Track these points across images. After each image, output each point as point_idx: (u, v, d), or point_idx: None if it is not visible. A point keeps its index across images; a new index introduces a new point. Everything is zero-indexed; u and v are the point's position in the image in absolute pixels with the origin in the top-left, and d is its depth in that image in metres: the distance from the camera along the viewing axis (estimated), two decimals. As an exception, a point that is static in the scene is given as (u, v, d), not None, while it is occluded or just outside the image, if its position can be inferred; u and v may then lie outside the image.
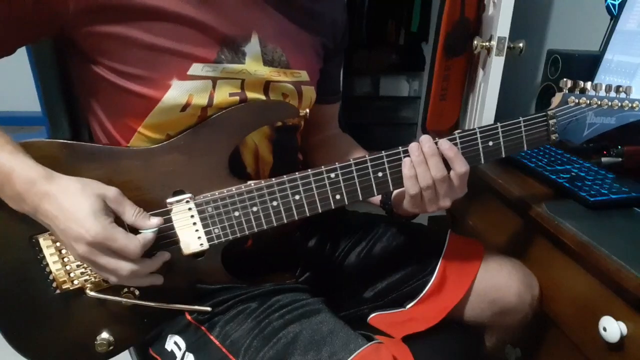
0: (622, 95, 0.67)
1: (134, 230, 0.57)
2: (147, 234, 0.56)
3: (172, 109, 0.59)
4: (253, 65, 0.62)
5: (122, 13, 0.54)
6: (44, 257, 0.60)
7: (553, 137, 0.67)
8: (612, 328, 0.63)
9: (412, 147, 0.61)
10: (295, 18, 0.66)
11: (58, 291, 0.61)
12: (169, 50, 0.57)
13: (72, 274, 0.61)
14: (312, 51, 0.71)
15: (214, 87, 0.60)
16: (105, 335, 0.64)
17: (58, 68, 0.78)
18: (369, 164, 0.62)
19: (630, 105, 0.67)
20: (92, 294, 0.61)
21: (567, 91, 0.68)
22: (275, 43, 0.64)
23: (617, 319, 0.63)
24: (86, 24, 0.55)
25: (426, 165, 0.60)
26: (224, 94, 0.61)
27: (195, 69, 0.58)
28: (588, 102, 0.67)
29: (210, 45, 0.59)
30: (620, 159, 0.87)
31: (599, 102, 0.67)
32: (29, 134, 2.11)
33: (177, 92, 0.58)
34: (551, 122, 0.67)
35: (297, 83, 0.68)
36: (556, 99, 0.68)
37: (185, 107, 0.59)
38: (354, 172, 0.62)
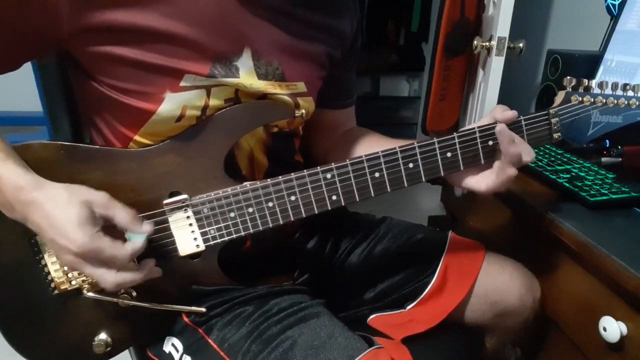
0: (630, 93, 0.66)
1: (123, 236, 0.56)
2: (137, 242, 0.55)
3: (167, 121, 0.60)
4: (248, 79, 0.62)
5: (113, 33, 0.54)
6: (42, 257, 0.60)
7: (556, 135, 0.66)
8: (612, 328, 0.62)
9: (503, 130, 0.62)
10: (292, 29, 0.65)
11: (56, 291, 0.61)
12: (160, 67, 0.57)
13: (69, 275, 0.61)
14: (312, 62, 0.69)
15: (208, 95, 0.60)
16: (103, 336, 0.64)
17: (59, 68, 0.78)
18: (365, 164, 0.61)
19: (638, 103, 0.66)
20: (90, 294, 0.61)
21: (570, 89, 0.67)
22: (269, 56, 0.63)
23: (617, 319, 0.63)
24: (80, 44, 0.56)
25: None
26: (219, 101, 0.61)
27: (188, 79, 0.58)
28: (592, 100, 0.66)
29: (203, 61, 0.58)
30: (620, 159, 0.86)
31: (604, 101, 0.66)
32: (30, 134, 2.11)
33: (171, 105, 0.58)
34: (553, 120, 0.66)
35: (293, 95, 0.67)
36: (559, 97, 0.67)
37: (180, 118, 0.60)
38: (350, 172, 0.61)
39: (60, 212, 0.51)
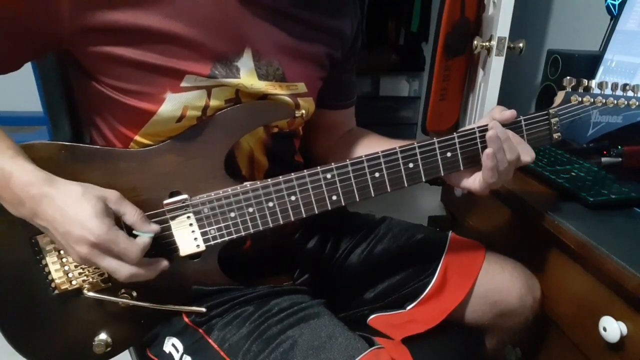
0: (630, 93, 0.66)
1: (130, 231, 0.57)
2: (145, 239, 0.56)
3: (168, 121, 0.60)
4: (249, 80, 0.62)
5: (114, 33, 0.54)
6: (43, 257, 0.60)
7: (555, 136, 0.66)
8: (612, 328, 0.62)
9: (493, 137, 0.61)
10: (293, 30, 0.65)
11: (57, 291, 0.61)
12: (161, 67, 0.57)
13: (70, 275, 0.61)
14: (312, 62, 0.69)
15: (209, 95, 0.60)
16: (103, 336, 0.64)
17: (59, 68, 0.78)
18: (365, 164, 0.62)
19: (637, 103, 0.66)
20: (90, 294, 0.61)
21: (570, 89, 0.67)
22: (270, 56, 0.63)
23: (617, 319, 0.63)
24: (81, 44, 0.56)
25: (503, 152, 0.61)
26: (219, 101, 0.61)
27: (189, 80, 0.58)
28: (592, 100, 0.66)
29: (203, 61, 0.58)
30: (620, 159, 0.86)
31: (604, 101, 0.66)
32: (30, 133, 2.10)
33: (171, 105, 0.59)
34: (553, 120, 0.66)
35: (294, 95, 0.67)
36: (558, 98, 0.67)
37: (180, 118, 0.60)
38: (350, 172, 0.61)
39: (76, 204, 0.52)
